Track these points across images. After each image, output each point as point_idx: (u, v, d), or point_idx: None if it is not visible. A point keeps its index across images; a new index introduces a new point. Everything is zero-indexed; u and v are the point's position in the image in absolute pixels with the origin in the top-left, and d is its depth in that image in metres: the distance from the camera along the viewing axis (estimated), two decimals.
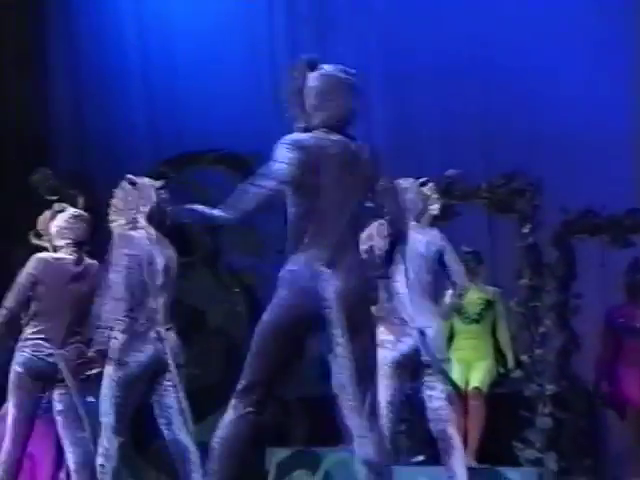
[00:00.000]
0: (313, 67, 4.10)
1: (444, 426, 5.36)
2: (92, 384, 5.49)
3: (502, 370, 7.24)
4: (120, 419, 5.28)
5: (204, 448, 4.33)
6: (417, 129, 8.63)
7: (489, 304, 7.20)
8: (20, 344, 5.64)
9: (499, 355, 7.26)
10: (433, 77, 8.53)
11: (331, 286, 3.76)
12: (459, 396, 6.96)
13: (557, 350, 6.99)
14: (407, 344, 5.40)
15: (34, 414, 5.64)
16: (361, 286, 3.85)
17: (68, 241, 5.76)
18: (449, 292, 5.71)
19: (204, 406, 5.98)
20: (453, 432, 5.40)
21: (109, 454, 5.27)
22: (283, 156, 3.89)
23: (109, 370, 5.28)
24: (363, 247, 5.41)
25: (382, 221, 4.42)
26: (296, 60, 4.08)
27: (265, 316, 3.89)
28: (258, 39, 9.18)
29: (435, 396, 5.38)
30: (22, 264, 8.31)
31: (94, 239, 8.73)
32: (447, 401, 5.42)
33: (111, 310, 5.25)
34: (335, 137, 3.99)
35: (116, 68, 9.44)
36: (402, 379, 5.40)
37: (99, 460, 5.28)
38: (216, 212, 3.92)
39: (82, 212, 6.00)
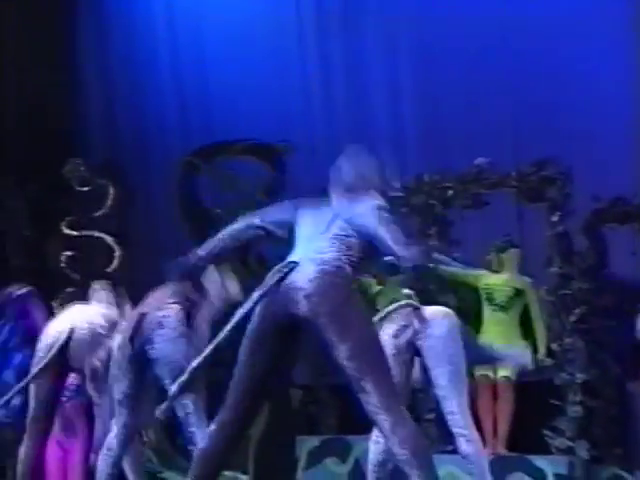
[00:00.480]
0: None
1: (451, 417, 5.21)
2: None
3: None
4: (113, 406, 5.31)
5: None
6: (446, 120, 8.62)
7: (518, 293, 7.18)
8: None
9: (529, 343, 7.23)
10: (461, 68, 8.53)
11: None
12: (488, 384, 6.95)
13: (587, 338, 6.97)
14: (405, 334, 5.33)
15: (52, 399, 5.71)
16: (325, 300, 3.86)
17: None
18: None
19: None
20: (463, 423, 5.26)
21: (109, 443, 5.29)
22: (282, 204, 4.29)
23: None
24: None
25: None
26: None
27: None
28: (286, 32, 9.19)
29: (440, 385, 5.24)
30: (54, 253, 8.42)
31: (125, 229, 8.81)
32: (452, 394, 5.21)
33: None
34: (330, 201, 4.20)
35: (146, 60, 9.50)
36: (405, 370, 5.29)
37: (103, 450, 5.32)
38: (191, 258, 4.14)
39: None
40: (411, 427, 3.80)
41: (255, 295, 3.91)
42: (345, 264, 3.95)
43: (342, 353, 3.79)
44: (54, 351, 5.60)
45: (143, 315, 5.27)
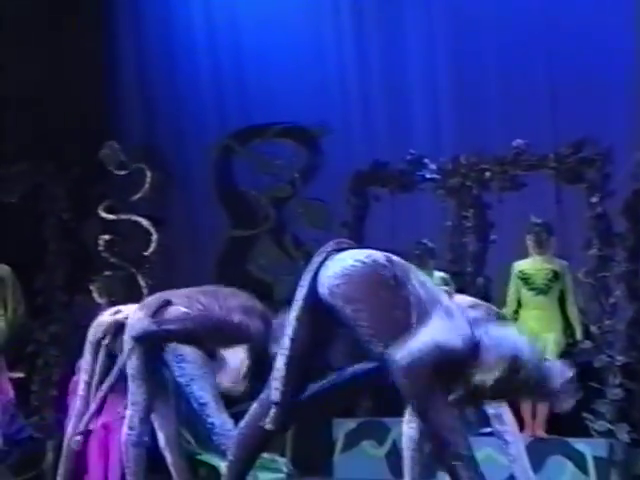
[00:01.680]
0: None
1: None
2: None
3: (570, 341, 7.16)
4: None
5: None
6: (483, 101, 8.57)
7: (557, 276, 7.12)
8: None
9: (568, 326, 7.18)
10: (499, 50, 8.48)
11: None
12: None
13: (627, 321, 6.91)
14: None
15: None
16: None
17: None
18: None
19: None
20: (497, 405, 5.23)
21: (129, 422, 5.28)
22: None
23: None
24: None
25: None
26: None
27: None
28: (322, 14, 9.17)
29: None
30: (92, 237, 8.46)
31: (162, 213, 8.83)
32: None
33: None
34: None
35: (183, 44, 9.51)
36: None
37: (125, 430, 5.32)
38: None
39: None
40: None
41: (308, 275, 3.81)
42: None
43: (363, 331, 3.69)
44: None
45: (168, 302, 5.22)
